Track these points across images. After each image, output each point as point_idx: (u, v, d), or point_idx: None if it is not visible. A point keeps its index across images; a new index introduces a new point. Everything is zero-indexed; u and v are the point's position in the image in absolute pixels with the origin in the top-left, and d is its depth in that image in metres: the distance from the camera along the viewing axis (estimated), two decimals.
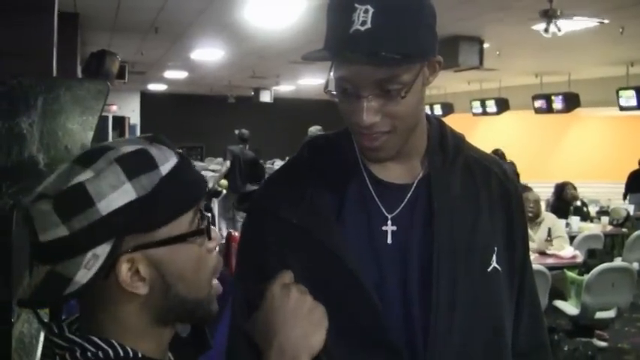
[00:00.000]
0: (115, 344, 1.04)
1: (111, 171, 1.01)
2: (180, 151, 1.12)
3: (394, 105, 1.27)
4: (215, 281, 1.16)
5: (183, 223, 1.07)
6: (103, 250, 1.00)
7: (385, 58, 1.21)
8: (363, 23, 1.19)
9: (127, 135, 14.66)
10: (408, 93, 1.26)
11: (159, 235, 1.04)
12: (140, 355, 1.06)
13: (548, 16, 6.78)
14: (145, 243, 1.03)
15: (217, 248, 1.18)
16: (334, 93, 1.32)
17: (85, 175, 1.01)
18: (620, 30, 7.85)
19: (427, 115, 1.48)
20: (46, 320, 3.03)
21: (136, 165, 1.03)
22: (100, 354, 1.03)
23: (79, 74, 8.60)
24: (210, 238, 1.11)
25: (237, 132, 12.36)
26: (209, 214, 1.17)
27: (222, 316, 1.43)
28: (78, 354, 1.02)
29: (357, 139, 1.37)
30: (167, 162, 1.06)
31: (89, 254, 1.00)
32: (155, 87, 19.40)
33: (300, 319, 1.21)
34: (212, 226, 1.15)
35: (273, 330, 1.21)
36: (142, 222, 1.02)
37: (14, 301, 2.19)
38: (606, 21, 7.49)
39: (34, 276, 1.06)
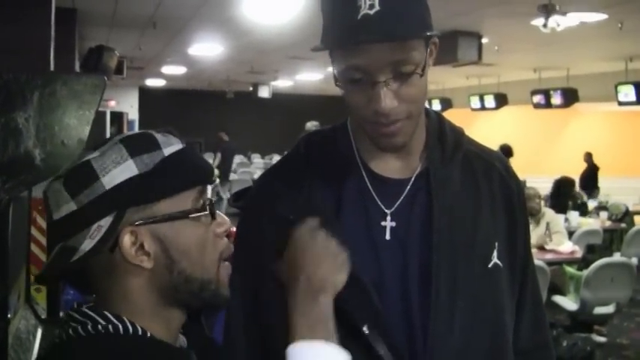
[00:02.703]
0: (126, 321, 1.09)
1: (115, 149, 1.10)
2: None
3: (410, 87, 1.26)
4: (226, 264, 1.21)
5: (185, 202, 1.13)
6: (106, 222, 1.08)
7: (402, 37, 1.21)
8: (371, 7, 1.18)
9: (125, 130, 14.68)
10: (424, 72, 1.26)
11: (160, 210, 1.10)
12: (149, 335, 1.10)
13: (547, 11, 6.78)
14: (148, 217, 1.10)
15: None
16: (340, 85, 1.30)
17: (92, 155, 1.11)
18: (619, 25, 7.84)
19: (426, 108, 1.46)
20: (43, 317, 3.03)
21: (139, 145, 1.12)
22: (110, 328, 1.08)
23: (77, 70, 8.58)
24: (214, 218, 1.16)
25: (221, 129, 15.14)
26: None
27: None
28: (89, 327, 1.08)
29: (371, 129, 1.32)
30: (171, 146, 1.14)
31: (94, 226, 1.08)
32: (153, 82, 19.39)
33: (326, 259, 1.24)
34: (219, 212, 1.20)
35: (300, 266, 1.25)
36: (141, 195, 1.09)
37: (10, 297, 2.18)
38: (605, 16, 7.48)
39: (50, 256, 1.14)
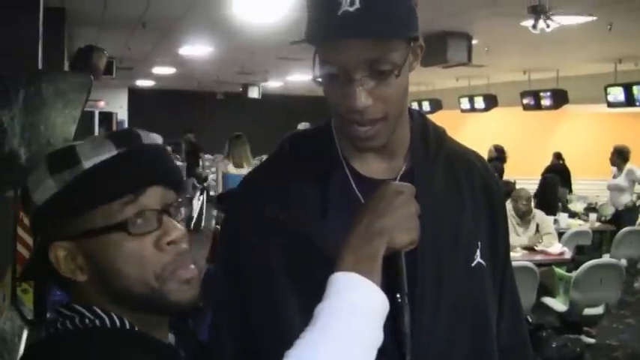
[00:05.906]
0: (113, 315, 1.11)
1: (39, 167, 1.14)
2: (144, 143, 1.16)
3: (386, 87, 1.24)
4: (180, 273, 1.13)
5: (111, 215, 1.10)
6: (39, 238, 1.14)
7: (378, 36, 1.20)
8: (352, 3, 1.17)
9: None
10: (400, 73, 1.24)
11: (82, 225, 1.09)
12: (136, 329, 1.12)
13: (537, 12, 6.79)
14: (70, 234, 1.10)
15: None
16: (320, 81, 1.29)
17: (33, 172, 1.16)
18: (609, 27, 7.86)
19: (409, 109, 1.46)
20: (29, 318, 3.01)
21: (59, 161, 1.12)
22: (97, 321, 1.10)
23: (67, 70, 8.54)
24: (129, 233, 1.09)
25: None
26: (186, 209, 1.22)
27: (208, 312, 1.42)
28: (77, 320, 1.10)
29: (347, 128, 1.32)
30: (96, 157, 1.11)
31: (37, 239, 1.15)
32: (143, 83, 19.35)
33: (398, 216, 1.17)
34: (170, 220, 1.15)
35: (367, 212, 1.18)
36: (58, 213, 1.11)
37: None
38: (594, 18, 7.50)
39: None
